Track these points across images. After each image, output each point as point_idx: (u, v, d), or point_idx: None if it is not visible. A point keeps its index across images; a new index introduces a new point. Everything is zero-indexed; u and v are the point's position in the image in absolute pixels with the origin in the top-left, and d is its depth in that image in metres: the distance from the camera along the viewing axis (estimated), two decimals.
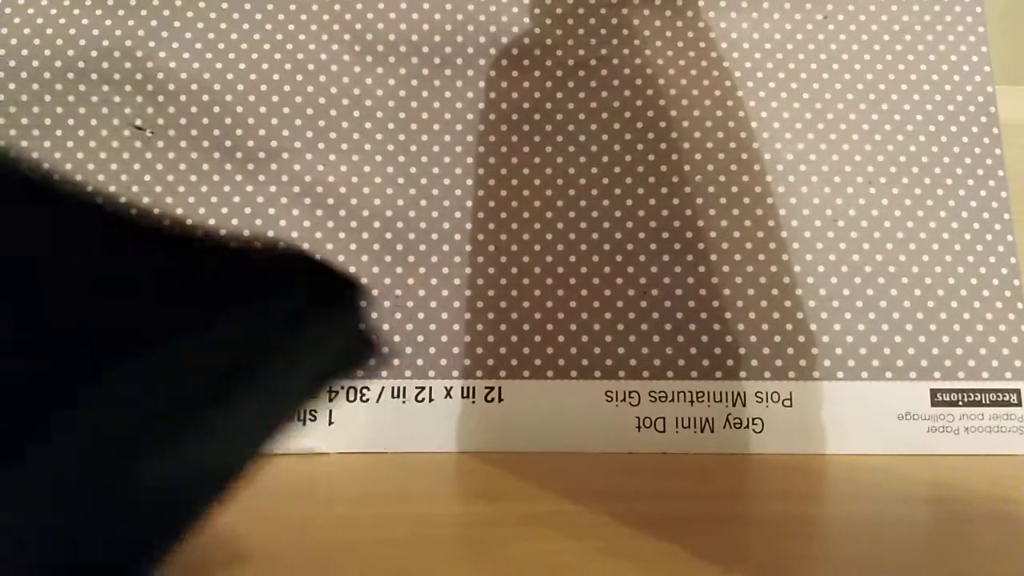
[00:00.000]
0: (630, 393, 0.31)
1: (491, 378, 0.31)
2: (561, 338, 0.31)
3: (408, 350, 0.31)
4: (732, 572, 0.16)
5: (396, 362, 0.31)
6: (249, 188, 0.32)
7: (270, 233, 0.32)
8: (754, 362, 0.31)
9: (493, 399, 0.31)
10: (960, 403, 0.31)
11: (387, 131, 0.33)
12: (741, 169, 0.33)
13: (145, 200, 0.32)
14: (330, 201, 0.32)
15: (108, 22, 0.33)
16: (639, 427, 0.30)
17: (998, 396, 0.31)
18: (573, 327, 0.31)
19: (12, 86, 0.33)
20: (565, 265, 0.32)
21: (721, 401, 0.31)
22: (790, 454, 0.30)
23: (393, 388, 0.31)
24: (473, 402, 0.31)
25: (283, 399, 0.13)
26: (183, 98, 0.33)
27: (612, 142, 0.33)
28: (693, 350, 0.31)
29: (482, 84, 0.34)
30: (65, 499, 0.11)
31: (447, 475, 0.27)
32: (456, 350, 0.31)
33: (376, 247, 0.32)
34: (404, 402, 0.30)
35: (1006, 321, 0.31)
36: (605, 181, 0.33)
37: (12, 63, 0.33)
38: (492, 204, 0.33)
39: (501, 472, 0.27)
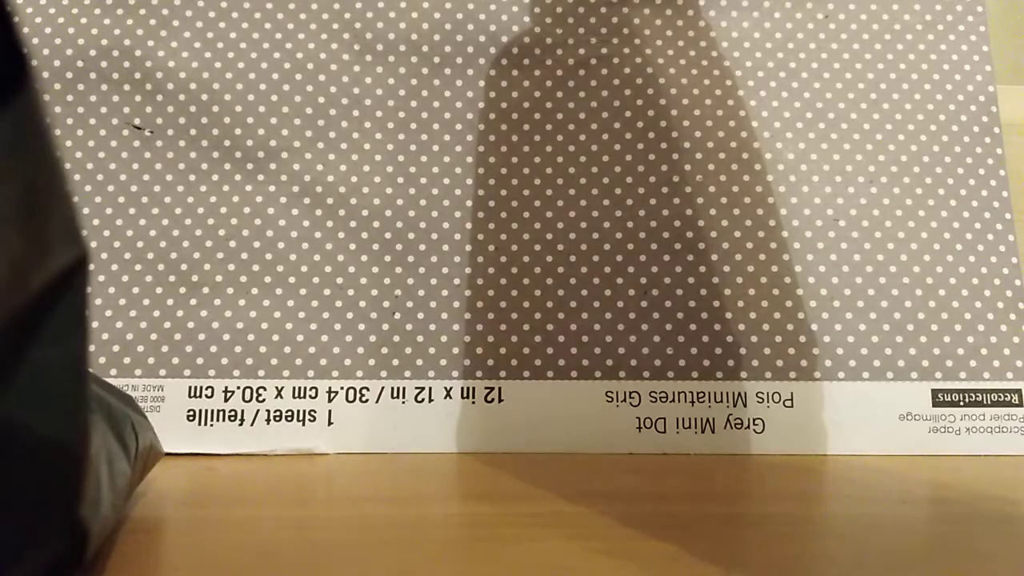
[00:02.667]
0: (631, 393, 0.31)
1: (491, 378, 0.31)
2: (561, 338, 0.31)
3: (408, 350, 0.31)
4: (733, 573, 0.16)
5: (395, 362, 0.31)
6: (248, 187, 0.32)
7: (269, 233, 0.32)
8: (755, 362, 0.31)
9: (493, 399, 0.31)
10: (961, 403, 0.31)
11: (386, 130, 0.33)
12: (742, 168, 0.33)
13: (143, 199, 0.32)
14: (329, 200, 0.32)
15: (106, 21, 0.33)
16: (640, 427, 0.30)
17: (999, 396, 0.31)
18: (573, 327, 0.31)
19: None
20: (565, 265, 0.32)
21: (722, 401, 0.31)
22: (791, 455, 0.30)
23: (393, 388, 0.31)
24: (473, 402, 0.30)
25: None
26: (182, 97, 0.33)
27: (613, 141, 0.33)
28: (694, 350, 0.31)
29: (482, 83, 0.34)
30: None
31: (447, 476, 0.27)
32: (456, 350, 0.31)
33: (375, 247, 0.32)
34: (404, 402, 0.30)
35: (1007, 321, 0.31)
36: (605, 180, 0.33)
37: None
38: (492, 204, 0.33)
39: (501, 473, 0.27)
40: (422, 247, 0.32)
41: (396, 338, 0.31)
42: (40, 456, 0.12)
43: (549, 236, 0.32)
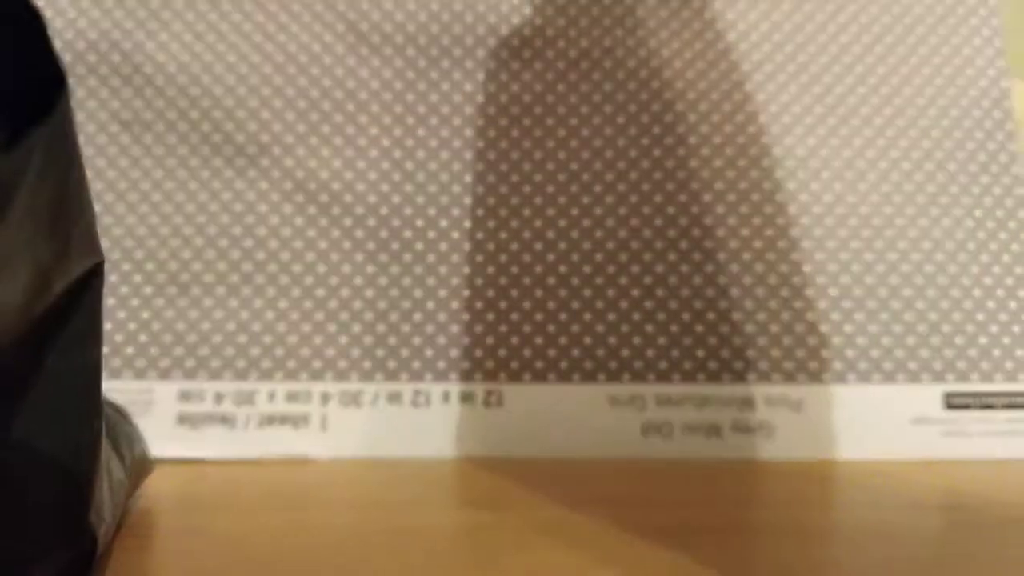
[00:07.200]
0: (635, 397, 0.30)
1: (491, 382, 0.30)
2: (563, 340, 0.31)
3: (404, 352, 0.30)
4: None
5: (392, 365, 0.30)
6: (239, 184, 0.32)
7: (261, 231, 0.31)
8: (763, 365, 0.31)
9: (493, 403, 0.30)
10: (974, 407, 0.30)
11: (383, 125, 0.33)
12: (750, 165, 0.32)
13: (132, 197, 0.31)
14: (323, 198, 0.32)
15: (96, 14, 0.33)
16: (644, 433, 0.30)
17: (1012, 399, 0.30)
18: (576, 329, 0.31)
19: None
20: (567, 264, 0.32)
21: (729, 405, 0.30)
22: (800, 460, 0.30)
23: (389, 392, 0.30)
24: (472, 407, 0.30)
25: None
26: (171, 91, 0.32)
27: (616, 136, 0.33)
28: (700, 353, 0.31)
29: (481, 76, 0.33)
30: None
31: (445, 482, 0.27)
32: (454, 353, 0.31)
33: (371, 246, 0.31)
34: (400, 407, 0.30)
35: (1020, 322, 0.31)
36: (609, 177, 0.32)
37: None
38: (492, 201, 0.32)
39: (501, 479, 0.26)
40: (419, 246, 0.32)
41: (392, 340, 0.31)
42: (56, 464, 0.13)
43: (551, 234, 0.32)
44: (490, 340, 0.31)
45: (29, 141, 0.12)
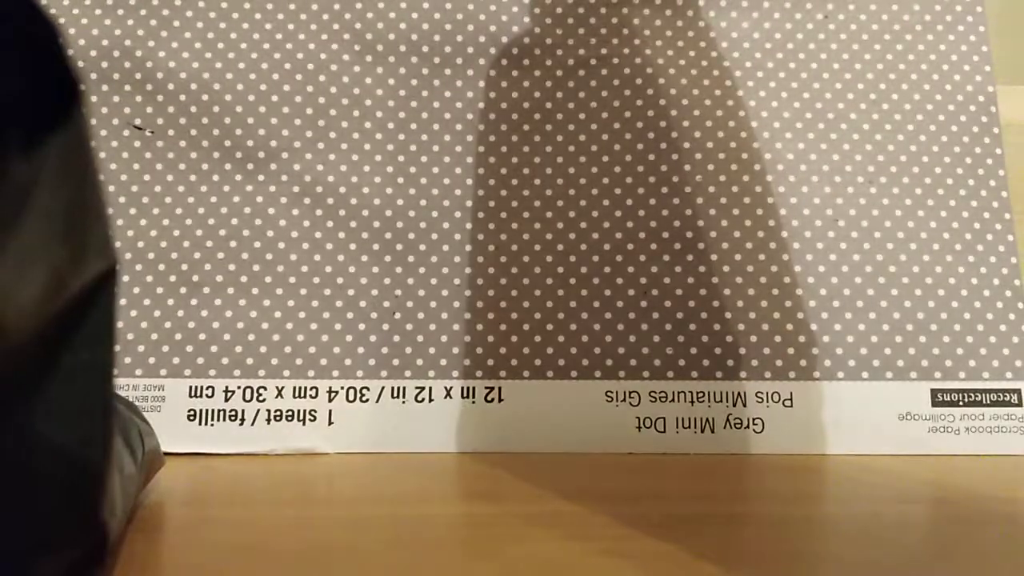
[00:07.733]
0: (630, 393, 0.31)
1: (491, 378, 0.31)
2: (561, 338, 0.31)
3: (408, 350, 0.31)
4: (732, 573, 0.16)
5: (396, 362, 0.31)
6: (248, 188, 0.32)
7: (269, 233, 0.32)
8: (754, 362, 0.31)
9: (493, 399, 0.31)
10: (961, 403, 0.31)
11: (387, 130, 0.33)
12: (741, 169, 0.33)
13: (144, 200, 0.32)
14: (330, 201, 0.32)
15: (107, 21, 0.33)
16: (639, 427, 0.30)
17: (998, 396, 0.31)
18: (573, 327, 0.31)
19: None
20: (565, 265, 0.32)
21: (721, 401, 0.31)
22: (790, 454, 0.30)
23: (393, 388, 0.31)
24: (473, 402, 0.30)
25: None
26: (182, 97, 0.33)
27: (612, 142, 0.33)
28: (693, 350, 0.31)
29: (482, 83, 0.34)
30: None
31: (447, 475, 0.27)
32: (456, 350, 0.31)
33: (376, 247, 0.32)
34: (404, 402, 0.30)
35: (1007, 321, 0.31)
36: (605, 181, 0.33)
37: None
38: (492, 204, 0.33)
39: (501, 473, 0.27)
40: (422, 247, 0.32)
41: (396, 338, 0.31)
42: (68, 460, 0.13)
43: (549, 236, 0.32)
44: (490, 338, 0.31)
45: (46, 147, 0.12)
